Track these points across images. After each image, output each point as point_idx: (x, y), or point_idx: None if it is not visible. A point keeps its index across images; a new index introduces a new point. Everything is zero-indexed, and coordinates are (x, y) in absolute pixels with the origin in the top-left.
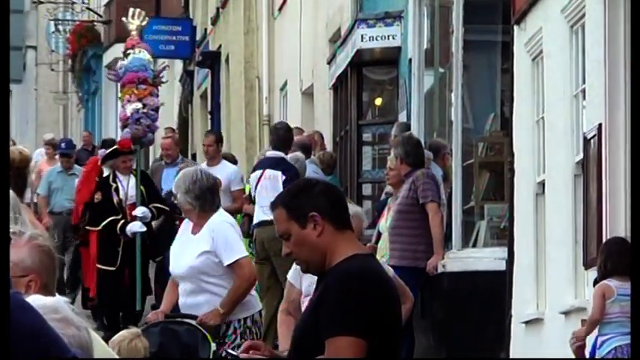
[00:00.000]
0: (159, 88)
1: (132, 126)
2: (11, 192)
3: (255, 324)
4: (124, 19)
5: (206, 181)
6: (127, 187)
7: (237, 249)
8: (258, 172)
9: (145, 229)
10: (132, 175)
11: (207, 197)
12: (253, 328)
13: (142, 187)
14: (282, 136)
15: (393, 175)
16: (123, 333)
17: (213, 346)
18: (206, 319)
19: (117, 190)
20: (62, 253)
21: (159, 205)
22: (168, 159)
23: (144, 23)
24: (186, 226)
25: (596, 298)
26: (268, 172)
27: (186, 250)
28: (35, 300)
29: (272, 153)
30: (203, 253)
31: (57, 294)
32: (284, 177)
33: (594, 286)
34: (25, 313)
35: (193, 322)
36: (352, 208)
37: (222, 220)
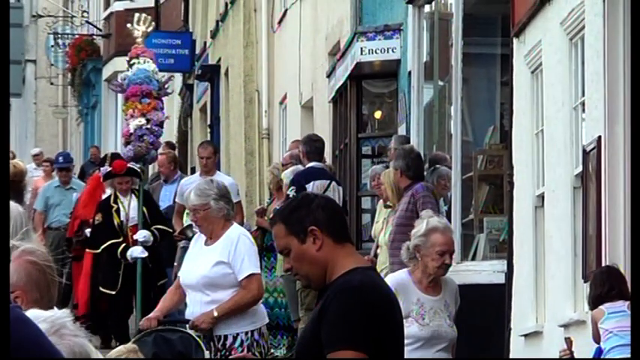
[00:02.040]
0: (163, 100)
1: (135, 143)
2: (20, 208)
3: (262, 337)
4: (128, 25)
5: (225, 190)
6: (128, 208)
7: (253, 264)
8: (324, 183)
9: (146, 254)
10: (133, 196)
11: (231, 205)
12: (261, 340)
13: (144, 209)
14: (320, 148)
15: (384, 189)
16: (119, 348)
17: (207, 353)
18: (198, 322)
19: (117, 211)
20: (61, 268)
21: (162, 227)
22: (162, 176)
23: (149, 29)
24: (197, 239)
25: (592, 327)
26: (334, 185)
27: (200, 260)
28: (32, 313)
29: (317, 164)
30: (218, 263)
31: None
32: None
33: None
34: (21, 325)
35: (186, 330)
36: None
37: (241, 233)
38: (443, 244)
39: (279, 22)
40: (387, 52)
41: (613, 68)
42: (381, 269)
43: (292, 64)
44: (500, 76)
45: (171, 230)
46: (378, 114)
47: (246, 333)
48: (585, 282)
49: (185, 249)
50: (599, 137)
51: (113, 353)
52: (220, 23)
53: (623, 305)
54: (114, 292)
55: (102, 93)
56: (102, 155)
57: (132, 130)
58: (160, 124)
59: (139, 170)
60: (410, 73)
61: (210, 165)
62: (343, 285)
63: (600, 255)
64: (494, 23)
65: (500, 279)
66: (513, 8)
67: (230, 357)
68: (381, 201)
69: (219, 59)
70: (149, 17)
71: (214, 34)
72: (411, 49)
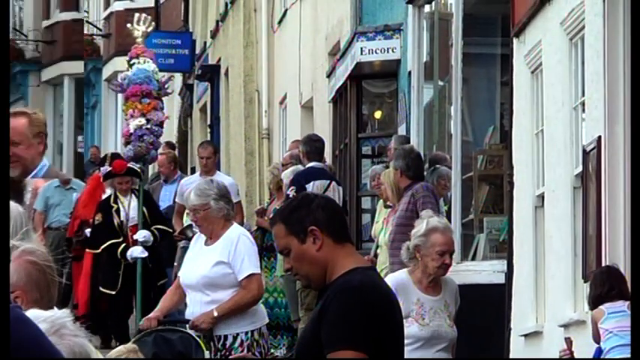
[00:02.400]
0: (163, 100)
1: (134, 143)
2: (20, 208)
3: (262, 337)
4: (128, 25)
5: (225, 191)
6: (128, 208)
7: (253, 264)
8: (324, 183)
9: (146, 254)
10: (133, 196)
11: (231, 205)
12: (260, 340)
13: (144, 209)
14: (320, 148)
15: (384, 189)
16: (119, 348)
17: (207, 353)
18: (198, 322)
19: (117, 211)
20: (61, 268)
21: (162, 227)
22: (162, 176)
23: (149, 29)
24: (197, 239)
25: (592, 327)
26: (334, 185)
27: (200, 260)
28: (32, 313)
29: (317, 164)
30: (218, 263)
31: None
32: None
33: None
34: (21, 325)
35: (187, 330)
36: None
37: (241, 233)
38: (443, 244)
39: (279, 22)
40: (387, 52)
41: (613, 68)
42: (381, 269)
43: (292, 64)
44: (500, 76)
45: (171, 230)
46: (378, 114)
47: (246, 333)
48: (585, 282)
49: (185, 249)
50: (599, 137)
51: (113, 353)
52: (220, 23)
53: (623, 305)
54: (114, 292)
55: (102, 93)
56: (102, 155)
57: (132, 130)
58: (160, 124)
59: (139, 170)
60: (410, 73)
61: (210, 165)
62: (343, 285)
63: (600, 255)
64: (494, 23)
65: (500, 279)
66: (513, 8)
67: (230, 357)
68: (381, 201)
69: (220, 59)
70: (149, 17)
71: (214, 34)
72: (411, 49)
